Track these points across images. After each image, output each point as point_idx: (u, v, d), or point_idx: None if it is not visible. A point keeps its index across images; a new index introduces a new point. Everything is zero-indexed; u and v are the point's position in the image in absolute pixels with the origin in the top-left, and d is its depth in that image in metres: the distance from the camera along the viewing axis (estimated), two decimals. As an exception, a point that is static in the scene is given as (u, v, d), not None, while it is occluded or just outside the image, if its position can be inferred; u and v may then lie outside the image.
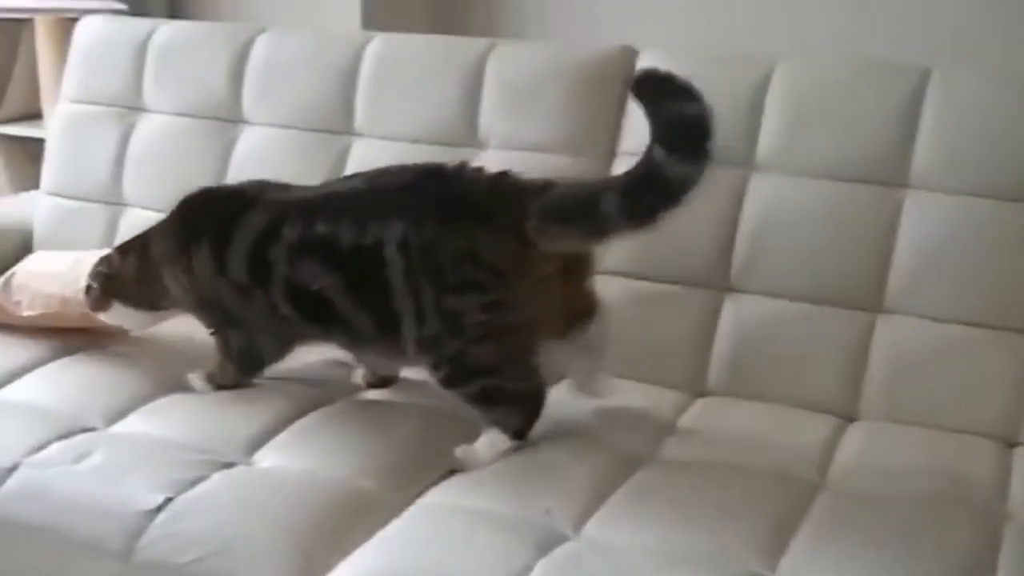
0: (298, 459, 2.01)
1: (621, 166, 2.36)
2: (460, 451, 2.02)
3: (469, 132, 2.56)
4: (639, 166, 1.85)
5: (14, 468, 1.99)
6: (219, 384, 2.24)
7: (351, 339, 2.12)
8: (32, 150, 3.73)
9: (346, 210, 2.03)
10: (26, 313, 2.38)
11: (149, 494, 1.89)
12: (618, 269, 2.38)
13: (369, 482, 1.95)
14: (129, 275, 2.27)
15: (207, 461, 1.99)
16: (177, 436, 2.07)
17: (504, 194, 1.99)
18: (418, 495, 1.93)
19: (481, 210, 1.97)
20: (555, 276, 1.99)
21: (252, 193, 2.17)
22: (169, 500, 1.88)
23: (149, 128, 2.87)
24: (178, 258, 2.19)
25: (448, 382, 2.02)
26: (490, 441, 2.02)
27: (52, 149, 3.01)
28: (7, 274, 2.46)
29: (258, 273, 2.10)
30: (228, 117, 2.78)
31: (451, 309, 1.96)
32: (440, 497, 1.93)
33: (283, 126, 2.71)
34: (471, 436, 2.03)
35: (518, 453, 2.03)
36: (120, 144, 2.88)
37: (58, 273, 2.38)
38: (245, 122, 2.78)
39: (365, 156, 2.59)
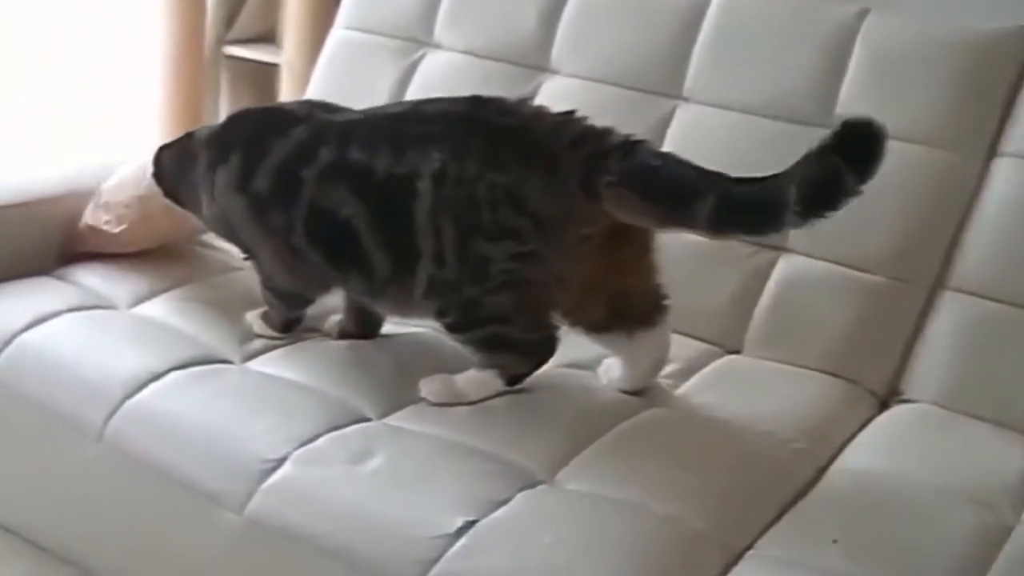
0: (610, 484, 1.77)
1: (1002, 169, 2.16)
2: (438, 382, 1.96)
3: (823, 110, 2.24)
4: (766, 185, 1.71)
5: (282, 460, 1.78)
6: (272, 323, 2.15)
7: (365, 282, 1.99)
8: (260, 75, 3.60)
9: (384, 136, 1.94)
10: (116, 230, 2.37)
11: (446, 514, 1.66)
12: (973, 288, 2.14)
13: (697, 519, 1.72)
14: (172, 171, 2.24)
15: (506, 476, 1.76)
16: (465, 439, 1.84)
17: (576, 138, 1.87)
18: (752, 541, 1.72)
19: (540, 151, 1.86)
20: (600, 241, 1.87)
21: (302, 112, 2.09)
22: (471, 524, 1.65)
23: (436, 66, 2.63)
24: (206, 176, 2.13)
25: (455, 328, 1.96)
26: (481, 380, 1.96)
27: (317, 79, 2.78)
28: (94, 196, 2.43)
29: (283, 192, 2.00)
30: (532, 63, 2.53)
31: (479, 254, 1.87)
32: (780, 549, 1.70)
33: (596, 80, 2.43)
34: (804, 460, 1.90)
35: (861, 499, 1.83)
36: (400, 82, 2.65)
37: (123, 179, 2.42)
38: (551, 71, 2.52)
39: (692, 125, 2.33)
